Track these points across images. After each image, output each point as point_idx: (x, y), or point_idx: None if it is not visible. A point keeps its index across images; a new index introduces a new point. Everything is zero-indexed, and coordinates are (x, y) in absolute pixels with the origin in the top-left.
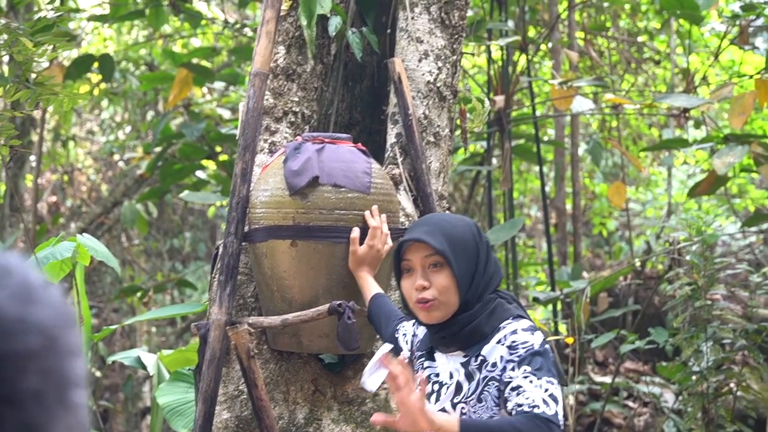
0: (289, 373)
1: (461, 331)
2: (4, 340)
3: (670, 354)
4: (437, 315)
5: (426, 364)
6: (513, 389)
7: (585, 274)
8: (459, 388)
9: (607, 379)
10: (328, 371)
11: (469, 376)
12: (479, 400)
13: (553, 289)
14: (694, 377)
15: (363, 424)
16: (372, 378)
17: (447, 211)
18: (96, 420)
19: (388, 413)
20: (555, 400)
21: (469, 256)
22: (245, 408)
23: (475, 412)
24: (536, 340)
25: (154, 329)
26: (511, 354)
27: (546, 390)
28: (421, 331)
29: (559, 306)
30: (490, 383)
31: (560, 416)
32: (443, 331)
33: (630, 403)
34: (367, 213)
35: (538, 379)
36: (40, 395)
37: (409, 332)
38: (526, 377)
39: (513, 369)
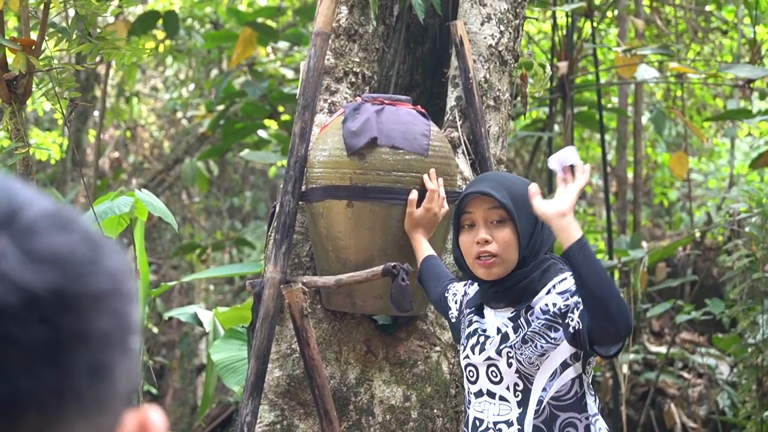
0: (341, 333)
1: (515, 287)
2: (80, 279)
3: (726, 326)
4: (497, 271)
5: (474, 318)
6: (515, 330)
7: (644, 243)
8: (505, 337)
9: (663, 349)
10: (380, 332)
11: (516, 326)
12: (524, 341)
13: (610, 258)
14: (749, 349)
15: (414, 386)
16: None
17: None
18: (150, 376)
19: (440, 376)
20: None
21: (529, 214)
22: (297, 367)
23: (521, 354)
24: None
25: (212, 287)
26: (564, 298)
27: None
28: (473, 290)
29: (617, 275)
30: (539, 325)
31: None
32: (497, 285)
33: (685, 374)
34: (425, 176)
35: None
36: (109, 336)
37: (459, 292)
38: (573, 314)
39: (573, 311)
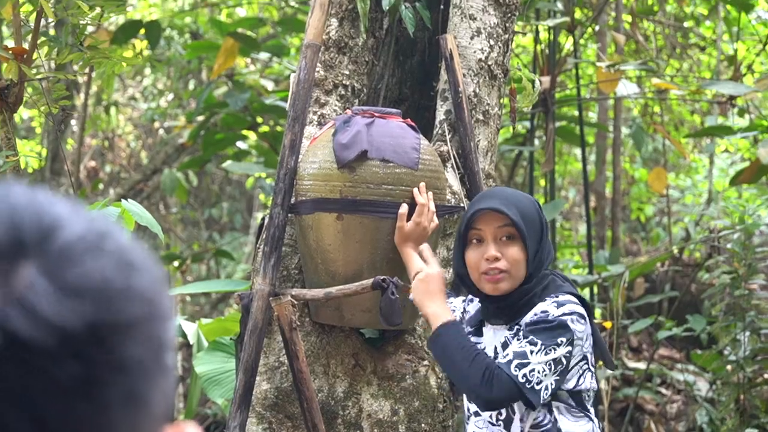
0: (330, 346)
1: (517, 303)
2: (114, 310)
3: (705, 342)
4: (504, 287)
5: (473, 339)
6: (503, 345)
7: (621, 259)
8: (496, 355)
9: (642, 365)
10: (368, 346)
11: (505, 345)
12: None
13: (590, 273)
14: (729, 366)
15: (402, 399)
16: None
17: None
18: None
19: (428, 390)
20: (523, 356)
21: (536, 231)
22: (285, 379)
23: None
24: (555, 311)
25: (188, 298)
26: (530, 319)
27: (521, 347)
28: (473, 307)
29: (596, 290)
30: None
31: (529, 382)
32: (500, 301)
33: (663, 390)
34: (415, 190)
35: (525, 339)
36: (143, 362)
37: (459, 308)
38: (519, 339)
39: (520, 330)
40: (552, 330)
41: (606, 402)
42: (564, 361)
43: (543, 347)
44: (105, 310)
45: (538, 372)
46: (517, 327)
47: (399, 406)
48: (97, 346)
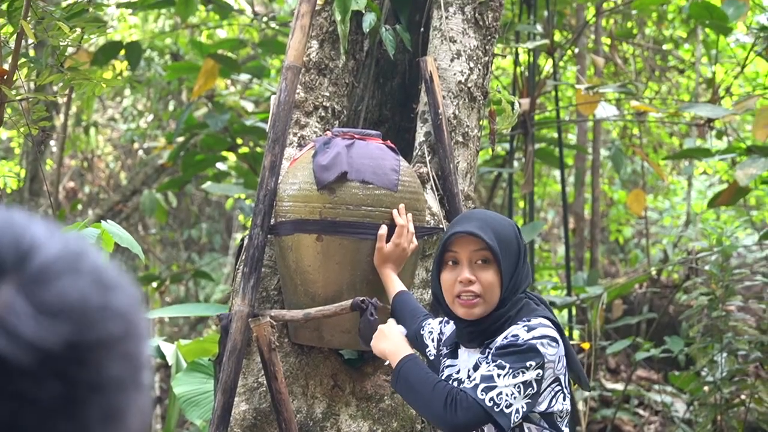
0: (309, 367)
1: (490, 327)
2: (91, 329)
3: (682, 363)
4: (477, 312)
5: (447, 362)
6: (474, 368)
7: (600, 280)
8: (469, 378)
9: (619, 387)
10: (347, 367)
11: (476, 368)
12: None
13: (569, 294)
14: (706, 387)
15: (380, 420)
16: None
17: None
18: None
19: (406, 411)
20: (490, 380)
21: (512, 255)
22: (264, 400)
23: None
24: (525, 335)
25: (167, 319)
26: (500, 343)
27: (488, 371)
28: (449, 329)
29: (574, 311)
30: None
31: (498, 405)
32: (474, 326)
33: (641, 411)
34: (394, 211)
35: (494, 363)
36: (121, 380)
37: (435, 330)
38: (488, 363)
39: (489, 354)
40: (521, 354)
41: (584, 423)
42: (535, 384)
43: (511, 370)
44: (84, 329)
45: (507, 395)
46: (488, 350)
47: (377, 427)
48: (76, 365)
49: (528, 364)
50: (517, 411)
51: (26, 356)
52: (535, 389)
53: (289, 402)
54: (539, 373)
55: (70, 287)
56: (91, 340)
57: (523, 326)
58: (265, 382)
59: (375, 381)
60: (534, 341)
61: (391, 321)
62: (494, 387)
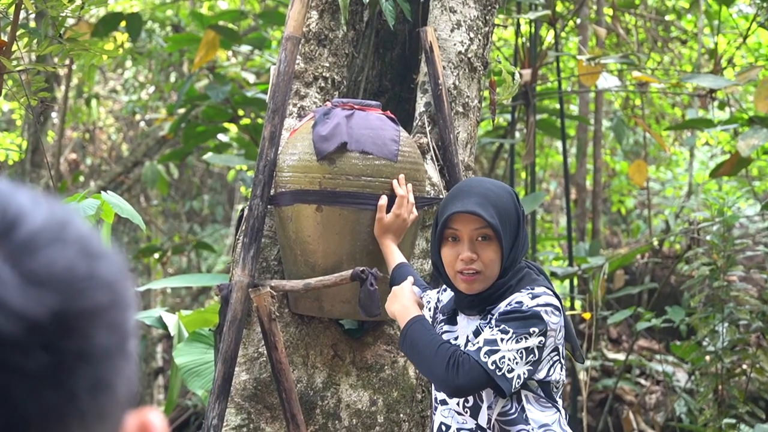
0: (309, 337)
1: (491, 296)
2: (78, 298)
3: (684, 333)
4: (478, 287)
5: (445, 328)
6: (475, 333)
7: (601, 251)
8: (467, 343)
9: (621, 356)
10: (347, 337)
11: (477, 333)
12: None
13: (570, 265)
14: (708, 357)
15: (381, 390)
16: None
17: None
18: None
19: (406, 380)
20: (493, 343)
21: (512, 227)
22: (264, 370)
23: None
24: (529, 302)
25: (169, 290)
26: (504, 309)
27: (492, 335)
28: (446, 296)
29: (575, 281)
30: None
31: (500, 369)
32: (475, 296)
33: (642, 381)
34: (394, 181)
35: (497, 328)
36: (109, 349)
37: (433, 299)
38: (491, 327)
39: (492, 319)
40: (525, 320)
41: (585, 393)
42: (536, 351)
43: (514, 335)
44: (70, 299)
45: (509, 360)
46: (489, 316)
47: (377, 396)
48: (64, 335)
49: (531, 330)
50: (519, 377)
51: (13, 326)
52: (537, 356)
53: (289, 372)
54: (541, 341)
55: (57, 256)
56: (78, 309)
57: (528, 293)
58: (265, 352)
59: (375, 351)
60: (538, 308)
61: (407, 282)
62: (497, 350)
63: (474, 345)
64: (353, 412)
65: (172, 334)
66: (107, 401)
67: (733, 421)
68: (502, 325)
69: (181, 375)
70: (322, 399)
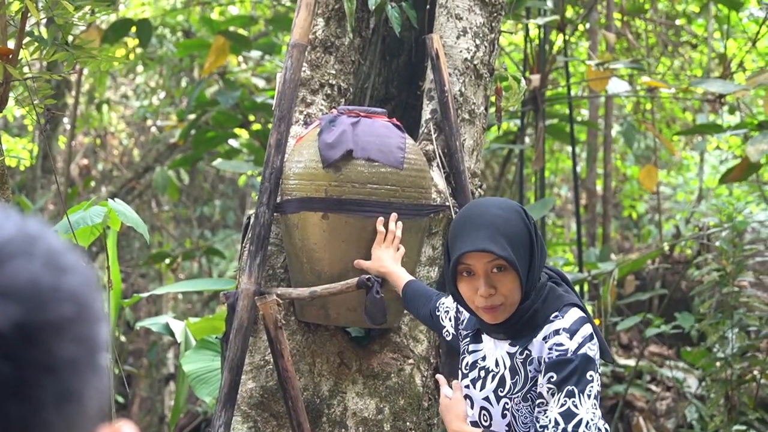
0: (315, 345)
1: (517, 322)
2: (42, 310)
3: (694, 339)
4: (503, 316)
5: (471, 347)
6: (538, 396)
7: (613, 256)
8: (503, 381)
9: (631, 362)
10: (354, 345)
11: (514, 370)
12: (524, 399)
13: (580, 270)
14: (718, 363)
15: (387, 398)
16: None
17: (479, 189)
18: (118, 384)
19: (413, 388)
20: (571, 414)
21: (526, 250)
22: (270, 378)
23: (518, 410)
24: (572, 344)
25: (180, 296)
26: (548, 356)
27: (563, 405)
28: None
29: (585, 287)
30: (535, 384)
31: (585, 422)
32: (501, 324)
33: (653, 387)
34: (381, 218)
35: (559, 391)
36: (75, 362)
37: (452, 308)
38: (549, 390)
39: (542, 372)
40: (580, 369)
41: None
42: (598, 388)
43: (580, 393)
44: (35, 310)
45: (591, 419)
46: (525, 356)
47: (384, 404)
48: (26, 346)
49: (589, 375)
50: (599, 429)
51: None
52: (598, 390)
53: (295, 380)
54: (597, 377)
55: (21, 269)
56: (41, 321)
57: (565, 333)
58: (271, 360)
59: (382, 359)
60: (582, 349)
61: (458, 397)
62: (576, 415)
63: (551, 427)
64: (360, 420)
65: (179, 341)
66: (75, 413)
67: (744, 427)
68: (564, 388)
69: (188, 382)
70: (329, 407)
